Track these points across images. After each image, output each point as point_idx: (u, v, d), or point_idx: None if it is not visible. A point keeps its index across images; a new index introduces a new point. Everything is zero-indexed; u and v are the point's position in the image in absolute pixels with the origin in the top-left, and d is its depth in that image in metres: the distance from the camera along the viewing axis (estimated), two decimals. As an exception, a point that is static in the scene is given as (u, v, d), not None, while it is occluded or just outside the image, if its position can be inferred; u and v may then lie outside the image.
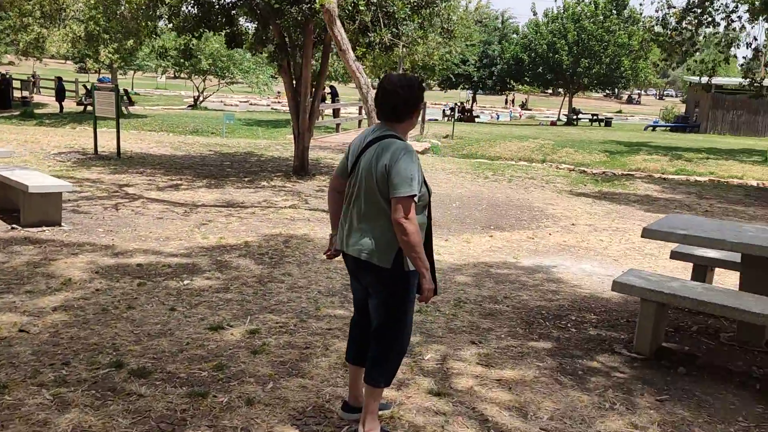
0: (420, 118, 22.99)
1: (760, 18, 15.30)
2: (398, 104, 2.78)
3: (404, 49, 13.61)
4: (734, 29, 16.56)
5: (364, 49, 10.48)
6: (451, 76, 38.05)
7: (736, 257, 4.70)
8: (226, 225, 7.66)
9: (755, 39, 16.95)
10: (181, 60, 29.40)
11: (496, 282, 5.91)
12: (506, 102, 58.36)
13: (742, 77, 17.43)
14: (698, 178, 15.61)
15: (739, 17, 17.81)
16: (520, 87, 45.77)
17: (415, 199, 2.67)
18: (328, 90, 26.26)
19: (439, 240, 7.50)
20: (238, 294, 5.10)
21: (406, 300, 2.83)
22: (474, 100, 45.68)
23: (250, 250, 6.51)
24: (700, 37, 17.23)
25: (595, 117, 37.92)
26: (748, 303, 3.82)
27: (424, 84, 2.94)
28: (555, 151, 19.75)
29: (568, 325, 4.87)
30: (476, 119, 37.44)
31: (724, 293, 4.04)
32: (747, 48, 16.72)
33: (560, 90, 43.69)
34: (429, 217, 2.95)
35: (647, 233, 4.51)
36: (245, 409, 3.26)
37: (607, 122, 37.12)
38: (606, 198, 11.59)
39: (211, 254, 6.25)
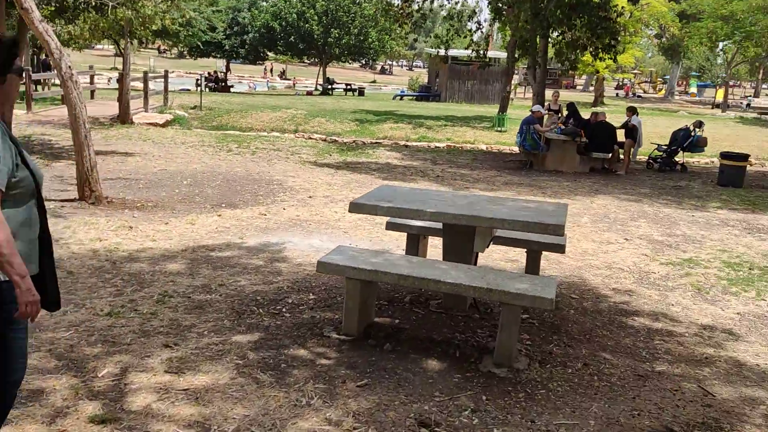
0: (164, 88, 21.30)
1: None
2: None
3: (130, 12, 12.24)
4: (458, 3, 17.83)
5: (53, 9, 9.05)
6: (199, 43, 36.04)
7: (441, 225, 4.72)
8: None
9: (476, 12, 18.42)
10: None
11: (214, 268, 5.38)
12: (265, 71, 57.38)
13: (465, 48, 18.89)
14: (437, 144, 16.60)
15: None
16: (273, 56, 45.17)
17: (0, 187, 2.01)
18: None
19: (158, 224, 6.74)
20: None
21: (2, 321, 2.15)
22: (228, 69, 44.05)
23: None
24: (437, 11, 18.26)
25: (348, 86, 38.88)
26: (443, 273, 3.78)
27: (14, 45, 2.21)
28: (307, 121, 19.65)
29: (284, 310, 4.53)
30: (231, 89, 36.16)
31: (424, 265, 3.98)
32: (470, 21, 18.07)
33: (316, 60, 44.06)
34: (42, 209, 2.29)
35: (354, 207, 4.30)
36: None
37: (360, 91, 38.31)
38: (348, 167, 11.64)
39: None
